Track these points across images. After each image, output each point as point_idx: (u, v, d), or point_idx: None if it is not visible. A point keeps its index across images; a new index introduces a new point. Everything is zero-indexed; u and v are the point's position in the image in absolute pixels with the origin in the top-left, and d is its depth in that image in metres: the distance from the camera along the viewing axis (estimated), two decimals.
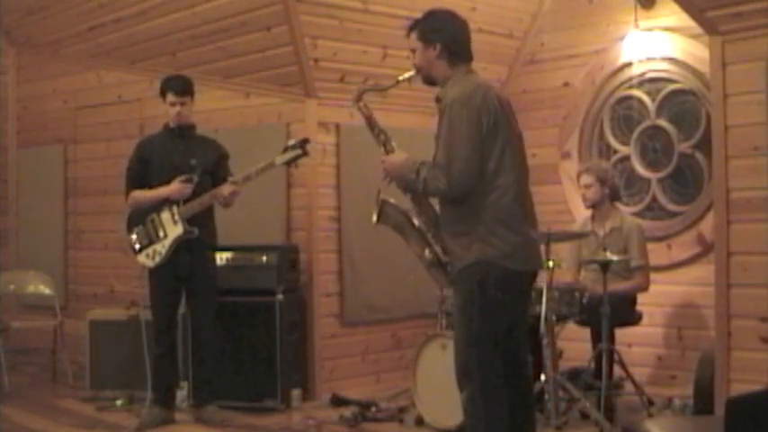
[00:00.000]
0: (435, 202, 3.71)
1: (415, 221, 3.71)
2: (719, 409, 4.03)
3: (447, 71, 3.63)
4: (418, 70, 3.70)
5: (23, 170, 7.73)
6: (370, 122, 3.78)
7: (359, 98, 3.80)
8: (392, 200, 3.80)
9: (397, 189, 3.74)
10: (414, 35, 3.68)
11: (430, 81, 3.71)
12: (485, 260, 3.47)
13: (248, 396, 5.47)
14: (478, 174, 3.45)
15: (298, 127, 5.95)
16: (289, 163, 5.00)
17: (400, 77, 3.76)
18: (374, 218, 3.79)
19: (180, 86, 5.16)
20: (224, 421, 5.13)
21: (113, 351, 5.76)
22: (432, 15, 3.70)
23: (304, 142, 4.97)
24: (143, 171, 5.18)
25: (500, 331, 3.55)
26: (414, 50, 3.69)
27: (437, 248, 3.64)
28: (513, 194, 3.52)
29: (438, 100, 3.63)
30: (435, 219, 3.68)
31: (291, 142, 5.00)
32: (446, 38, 3.61)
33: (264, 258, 5.59)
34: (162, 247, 5.02)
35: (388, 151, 3.72)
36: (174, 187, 5.03)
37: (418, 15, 3.73)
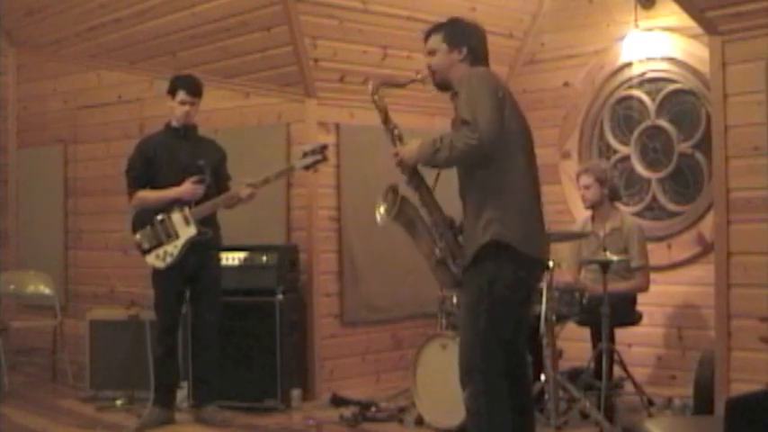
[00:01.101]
0: (444, 206, 3.71)
1: (426, 220, 3.71)
2: (719, 409, 4.03)
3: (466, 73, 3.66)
4: (434, 73, 3.73)
5: (23, 170, 7.73)
6: (385, 116, 3.80)
7: (375, 91, 3.81)
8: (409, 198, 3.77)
9: (408, 186, 3.73)
10: (437, 37, 3.72)
11: (443, 85, 3.73)
12: (499, 241, 3.47)
13: (248, 396, 5.47)
14: (501, 126, 3.45)
15: (298, 127, 5.95)
16: (308, 167, 5.01)
17: (415, 77, 3.79)
18: (393, 213, 3.68)
19: (193, 87, 5.14)
20: (224, 421, 5.13)
21: (113, 351, 5.75)
22: (459, 21, 3.79)
23: (323, 148, 5.00)
24: (147, 171, 5.14)
25: (507, 331, 3.58)
26: (432, 52, 3.72)
27: (446, 249, 3.64)
28: (528, 179, 3.57)
29: (454, 95, 3.66)
30: (443, 218, 3.70)
31: (309, 147, 5.03)
32: (473, 43, 3.69)
33: (264, 258, 5.59)
34: (174, 248, 5.00)
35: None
36: (186, 188, 5.01)
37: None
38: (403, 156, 3.66)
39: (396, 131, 3.76)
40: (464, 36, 3.69)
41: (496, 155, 3.48)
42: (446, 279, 3.71)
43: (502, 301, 3.51)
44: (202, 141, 5.27)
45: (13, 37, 7.67)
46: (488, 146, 3.42)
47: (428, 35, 3.76)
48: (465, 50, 3.67)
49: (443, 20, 3.80)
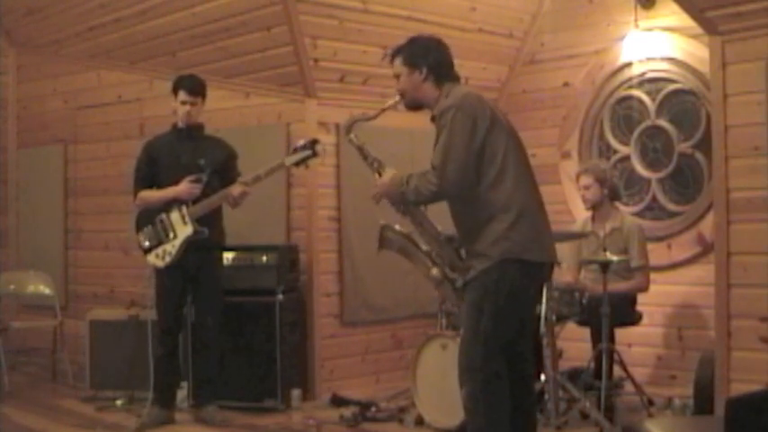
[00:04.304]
0: (440, 222, 3.73)
1: (419, 242, 3.73)
2: (719, 409, 4.03)
3: (434, 92, 3.70)
4: (402, 95, 3.77)
5: (23, 170, 7.73)
6: (363, 153, 3.86)
7: (349, 131, 3.88)
8: (396, 225, 3.81)
9: (397, 213, 3.78)
10: (398, 61, 3.76)
11: (414, 106, 3.79)
12: (507, 258, 3.50)
13: (248, 396, 5.47)
14: (474, 173, 3.49)
15: (298, 127, 5.95)
16: (298, 164, 5.00)
17: (385, 105, 3.84)
18: (378, 244, 3.82)
19: (193, 86, 5.16)
20: (224, 421, 5.13)
21: (113, 351, 5.75)
22: (416, 41, 3.79)
23: (314, 143, 4.97)
24: (151, 171, 5.17)
25: (509, 331, 3.59)
26: (398, 76, 3.77)
27: (444, 266, 3.65)
28: (524, 188, 3.57)
29: (433, 118, 3.68)
30: (438, 236, 3.72)
31: (300, 143, 5.01)
32: (431, 61, 3.70)
33: (264, 258, 5.59)
34: (172, 248, 5.01)
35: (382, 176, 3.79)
36: (183, 187, 5.02)
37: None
38: (377, 189, 3.76)
39: (375, 165, 3.82)
40: (422, 56, 3.70)
41: (484, 180, 3.51)
42: (449, 295, 3.76)
43: (506, 301, 3.52)
44: (207, 141, 5.28)
45: (13, 37, 7.67)
46: (450, 192, 3.51)
47: (392, 59, 3.80)
48: (425, 70, 3.69)
49: (404, 42, 3.81)
